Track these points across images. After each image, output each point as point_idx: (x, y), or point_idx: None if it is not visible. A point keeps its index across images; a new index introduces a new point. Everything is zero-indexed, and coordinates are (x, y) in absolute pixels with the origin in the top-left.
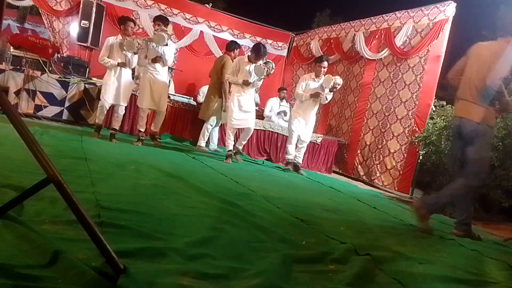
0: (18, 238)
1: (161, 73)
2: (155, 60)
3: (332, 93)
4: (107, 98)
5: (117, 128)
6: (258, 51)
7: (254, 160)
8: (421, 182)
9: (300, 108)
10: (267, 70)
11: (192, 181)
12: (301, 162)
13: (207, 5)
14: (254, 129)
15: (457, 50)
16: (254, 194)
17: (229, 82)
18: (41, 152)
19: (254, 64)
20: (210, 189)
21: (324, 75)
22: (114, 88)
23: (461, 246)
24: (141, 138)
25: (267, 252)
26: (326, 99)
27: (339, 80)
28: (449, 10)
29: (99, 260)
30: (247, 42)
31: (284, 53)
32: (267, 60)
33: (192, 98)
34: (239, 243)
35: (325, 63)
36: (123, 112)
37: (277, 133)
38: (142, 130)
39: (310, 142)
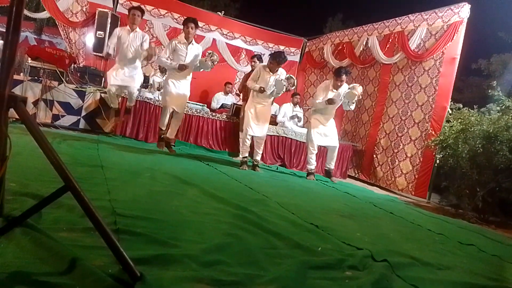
0: (36, 246)
1: (186, 77)
2: (181, 68)
3: (354, 103)
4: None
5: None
6: (275, 58)
7: (269, 166)
8: (438, 186)
9: (318, 116)
10: (287, 87)
11: (207, 187)
12: (332, 168)
13: (219, 13)
14: (268, 135)
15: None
16: (268, 200)
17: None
18: (59, 160)
19: (275, 78)
20: (224, 195)
21: (347, 83)
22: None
23: (481, 251)
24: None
25: (282, 259)
26: (349, 107)
27: (359, 89)
28: (464, 11)
29: (115, 267)
30: (259, 48)
31: (297, 58)
32: (290, 75)
33: (206, 105)
34: (253, 249)
35: (344, 77)
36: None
37: (291, 138)
38: (164, 128)
39: (324, 147)
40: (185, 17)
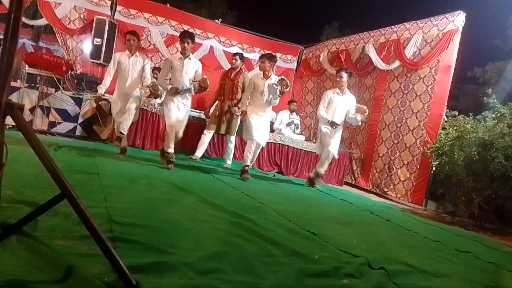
0: (32, 254)
1: (188, 98)
2: (173, 91)
3: (361, 120)
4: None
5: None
6: (271, 59)
7: (265, 173)
8: (435, 194)
9: (326, 127)
10: (281, 89)
11: (203, 195)
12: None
13: (216, 21)
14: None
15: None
16: (265, 207)
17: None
18: (56, 168)
19: (268, 83)
20: (221, 202)
21: (348, 88)
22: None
23: (478, 259)
24: (171, 160)
25: (279, 266)
26: (357, 120)
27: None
28: (459, 20)
29: (111, 275)
30: (256, 56)
31: (294, 66)
32: (282, 77)
33: (203, 112)
34: (250, 257)
35: (342, 73)
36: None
37: (288, 145)
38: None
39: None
40: (181, 31)
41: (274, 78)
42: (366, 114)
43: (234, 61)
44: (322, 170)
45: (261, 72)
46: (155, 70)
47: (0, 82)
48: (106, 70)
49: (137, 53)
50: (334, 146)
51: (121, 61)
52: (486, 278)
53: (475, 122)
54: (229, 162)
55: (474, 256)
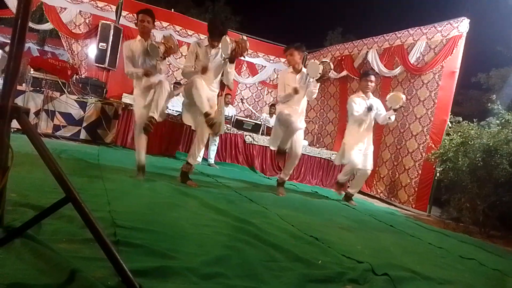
0: (36, 257)
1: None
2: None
3: (395, 113)
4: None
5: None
6: (300, 47)
7: (269, 178)
8: (439, 200)
9: (355, 135)
10: (323, 69)
11: (206, 199)
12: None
13: None
14: (267, 146)
15: (472, 65)
16: (268, 212)
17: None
18: (61, 172)
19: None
20: (224, 207)
21: (372, 93)
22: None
23: (482, 266)
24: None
25: (282, 272)
26: (390, 119)
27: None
28: (463, 26)
29: (115, 279)
30: (260, 61)
31: None
32: (323, 60)
33: None
34: (253, 262)
35: (372, 77)
36: None
37: None
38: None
39: (325, 159)
40: (185, 36)
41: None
42: (402, 101)
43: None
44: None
45: (290, 66)
46: None
47: (7, 87)
48: (125, 66)
49: (151, 39)
50: (368, 161)
51: (133, 50)
52: (490, 285)
53: (480, 128)
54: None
55: (479, 263)
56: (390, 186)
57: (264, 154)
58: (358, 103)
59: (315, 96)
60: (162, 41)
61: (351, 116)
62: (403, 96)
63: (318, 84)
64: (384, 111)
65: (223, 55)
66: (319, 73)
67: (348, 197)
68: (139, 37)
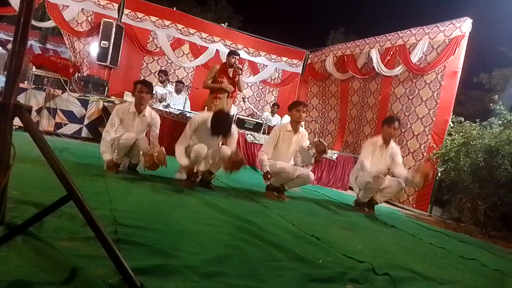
0: (37, 255)
1: None
2: None
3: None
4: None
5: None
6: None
7: None
8: (440, 200)
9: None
10: (316, 157)
11: (207, 198)
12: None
13: (222, 25)
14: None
15: (474, 66)
16: (269, 211)
17: None
18: (63, 170)
19: (300, 146)
20: (225, 206)
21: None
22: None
23: (483, 266)
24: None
25: (283, 271)
26: (400, 181)
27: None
28: (465, 26)
29: (116, 277)
30: (262, 60)
31: (299, 70)
32: (320, 141)
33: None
34: (254, 261)
35: (397, 124)
36: None
37: None
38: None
39: (326, 158)
40: (187, 34)
41: (303, 132)
42: (421, 183)
43: (233, 60)
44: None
45: (290, 123)
46: (161, 73)
47: (9, 85)
48: (105, 129)
49: (146, 112)
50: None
51: (124, 119)
52: (491, 286)
53: (481, 129)
54: None
55: (480, 263)
56: None
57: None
58: (372, 158)
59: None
60: (153, 155)
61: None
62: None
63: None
64: (400, 160)
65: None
66: (311, 163)
67: (371, 205)
68: (132, 108)
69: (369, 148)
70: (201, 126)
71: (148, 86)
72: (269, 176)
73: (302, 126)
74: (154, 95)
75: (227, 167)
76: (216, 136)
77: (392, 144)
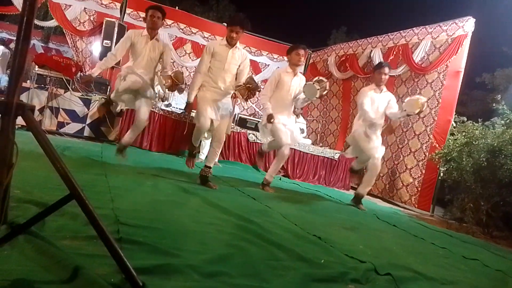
0: (39, 254)
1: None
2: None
3: (408, 117)
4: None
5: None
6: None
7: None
8: (442, 200)
9: (366, 130)
10: (320, 91)
11: (209, 197)
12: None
13: (224, 24)
14: None
15: (477, 65)
16: (271, 211)
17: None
18: (65, 169)
19: (306, 83)
20: (226, 205)
21: (386, 86)
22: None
23: (485, 266)
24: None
25: (284, 271)
26: (399, 119)
27: (423, 100)
28: (468, 25)
29: (118, 276)
30: (264, 59)
31: (301, 69)
32: (320, 78)
33: None
34: (256, 261)
35: (386, 69)
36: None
37: (294, 149)
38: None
39: (328, 158)
40: (189, 33)
41: (301, 76)
42: (420, 109)
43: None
44: (366, 190)
45: (289, 66)
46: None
47: (12, 84)
48: (112, 50)
49: (158, 36)
50: (379, 149)
51: (135, 43)
52: (493, 286)
53: (484, 128)
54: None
55: (482, 264)
56: (389, 185)
57: (267, 153)
58: (370, 99)
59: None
60: (172, 76)
61: (360, 109)
62: (424, 102)
63: (308, 102)
64: (396, 107)
65: (309, 98)
66: (316, 97)
67: (358, 199)
68: (145, 32)
69: (367, 97)
70: (216, 49)
71: (161, 10)
72: (272, 120)
73: (300, 72)
74: (156, 94)
75: (243, 94)
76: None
77: (385, 89)
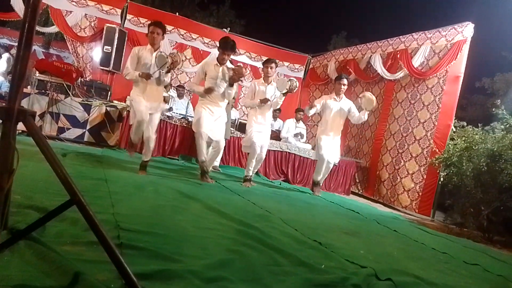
0: (39, 259)
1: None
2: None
3: (368, 112)
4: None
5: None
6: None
7: (272, 181)
8: (443, 205)
9: (326, 132)
10: (290, 85)
11: (210, 202)
12: (319, 181)
13: (225, 30)
14: (271, 150)
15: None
16: (271, 216)
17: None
18: (66, 175)
19: (277, 80)
20: (227, 210)
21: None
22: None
23: (486, 271)
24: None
25: (285, 276)
26: (364, 118)
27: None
28: (467, 31)
29: (118, 282)
30: None
31: (301, 75)
32: (291, 78)
33: None
34: (257, 266)
35: (345, 81)
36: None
37: (295, 154)
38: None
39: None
40: (189, 40)
41: (274, 84)
42: (373, 107)
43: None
44: (319, 177)
45: (262, 78)
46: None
47: (13, 90)
48: (125, 69)
49: (160, 49)
50: (331, 154)
51: (141, 56)
52: None
53: (484, 133)
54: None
55: (483, 269)
56: (391, 190)
57: (267, 158)
58: (323, 103)
59: (278, 106)
60: (170, 55)
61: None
62: (375, 100)
63: (283, 97)
64: (356, 112)
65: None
66: (286, 89)
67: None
68: (149, 46)
69: (318, 104)
70: (207, 66)
71: (161, 27)
72: (268, 102)
73: (273, 81)
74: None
75: (232, 78)
76: (226, 53)
77: (344, 97)
